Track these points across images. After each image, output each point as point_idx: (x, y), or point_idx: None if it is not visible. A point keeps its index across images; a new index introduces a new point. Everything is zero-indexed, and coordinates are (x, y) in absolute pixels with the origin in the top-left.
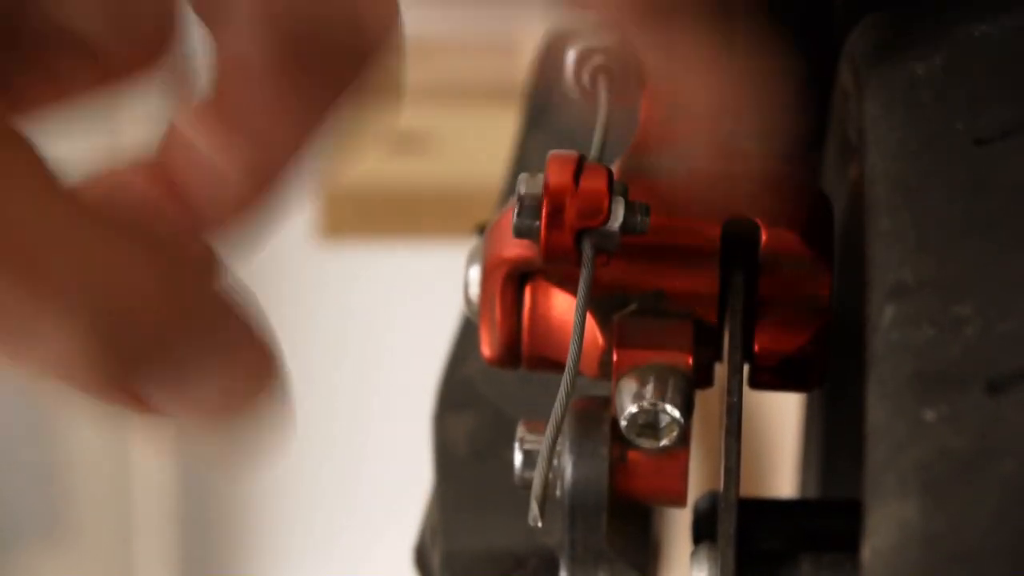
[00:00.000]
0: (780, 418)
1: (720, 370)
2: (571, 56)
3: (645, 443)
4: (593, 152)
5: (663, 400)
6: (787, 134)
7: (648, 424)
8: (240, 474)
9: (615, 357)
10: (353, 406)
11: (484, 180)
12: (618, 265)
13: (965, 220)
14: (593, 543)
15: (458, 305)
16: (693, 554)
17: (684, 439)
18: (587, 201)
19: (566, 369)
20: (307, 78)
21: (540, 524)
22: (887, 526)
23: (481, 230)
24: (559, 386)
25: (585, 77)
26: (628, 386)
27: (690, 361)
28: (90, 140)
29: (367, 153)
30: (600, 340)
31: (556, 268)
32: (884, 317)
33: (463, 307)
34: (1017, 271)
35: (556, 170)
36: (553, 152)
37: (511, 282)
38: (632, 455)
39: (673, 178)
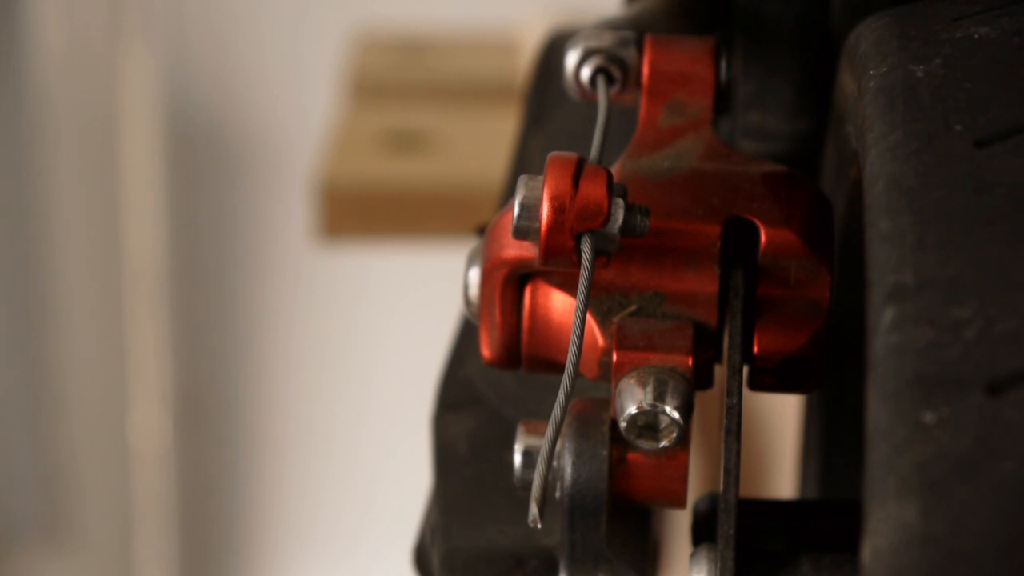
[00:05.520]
0: (780, 419)
1: (720, 371)
2: (571, 56)
3: (644, 444)
4: (593, 153)
5: (662, 402)
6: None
7: (648, 425)
8: (239, 473)
9: (615, 358)
10: (353, 406)
11: (484, 180)
12: (617, 267)
13: (965, 221)
14: (592, 544)
15: (458, 305)
16: (693, 555)
17: (683, 440)
18: (587, 203)
19: (566, 370)
20: None
21: (539, 525)
22: (887, 527)
23: (481, 231)
24: (559, 387)
25: (585, 77)
26: (628, 388)
27: (690, 363)
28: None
29: (367, 153)
30: (600, 341)
31: (556, 269)
32: (884, 319)
33: (463, 308)
34: (1017, 272)
35: (556, 172)
36: (553, 153)
37: (511, 283)
38: (631, 456)
39: (673, 179)
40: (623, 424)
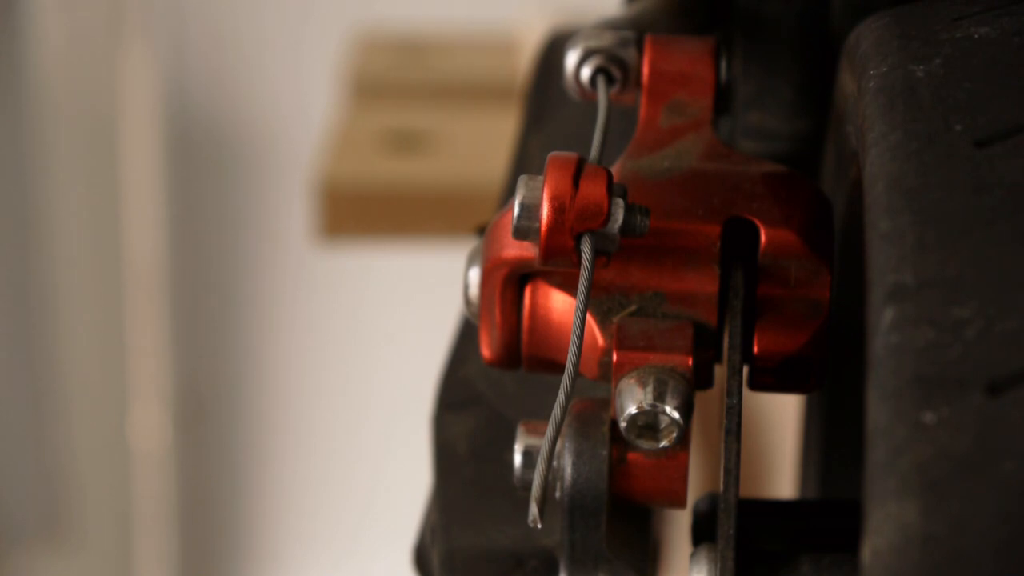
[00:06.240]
0: (780, 419)
1: (720, 371)
2: (571, 56)
3: (645, 444)
4: (593, 153)
5: (662, 402)
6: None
7: (648, 425)
8: (239, 473)
9: (615, 358)
10: (353, 406)
11: (484, 180)
12: (617, 267)
13: (965, 221)
14: (592, 544)
15: (458, 305)
16: (692, 555)
17: (683, 440)
18: (587, 203)
19: (566, 370)
20: None
21: (539, 525)
22: (887, 527)
23: (481, 231)
24: (559, 387)
25: (585, 77)
26: (628, 387)
27: (690, 363)
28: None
29: (367, 153)
30: (600, 341)
31: (556, 269)
32: (884, 319)
33: (463, 308)
34: (1017, 272)
35: (556, 172)
36: (553, 153)
37: (511, 283)
38: (631, 456)
39: (673, 179)
40: (623, 424)
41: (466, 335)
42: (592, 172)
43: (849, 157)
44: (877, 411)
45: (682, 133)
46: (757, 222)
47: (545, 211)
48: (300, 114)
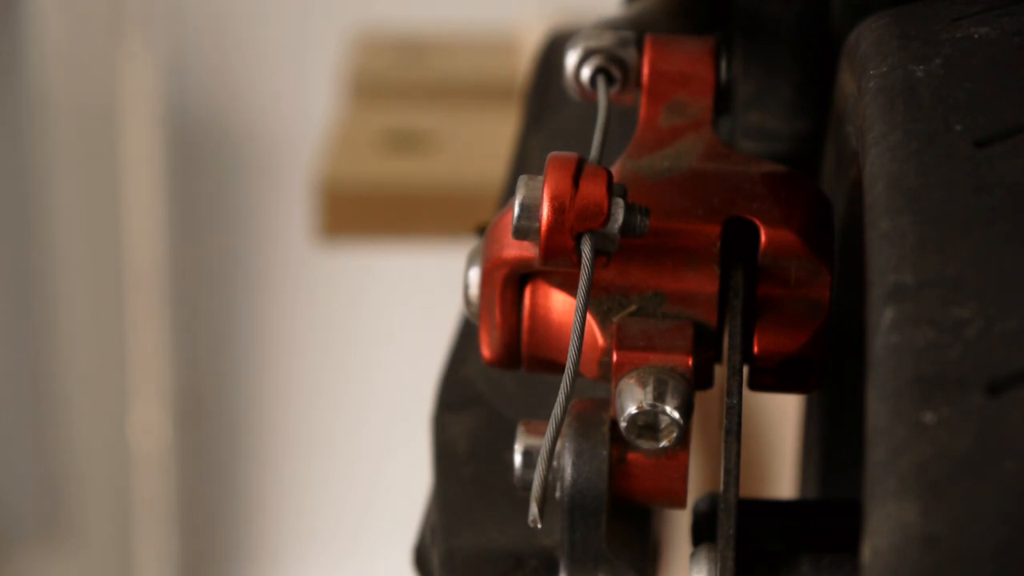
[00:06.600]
0: (780, 419)
1: (720, 371)
2: (571, 56)
3: (645, 444)
4: (593, 153)
5: (662, 402)
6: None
7: (648, 425)
8: (240, 473)
9: (615, 358)
10: (353, 406)
11: (484, 180)
12: (617, 267)
13: (965, 221)
14: (592, 544)
15: (457, 305)
16: (692, 555)
17: (683, 440)
18: (587, 203)
19: (566, 370)
20: None
21: (539, 525)
22: (887, 527)
23: (481, 231)
24: (559, 387)
25: (585, 77)
26: (628, 387)
27: (690, 363)
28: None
29: (367, 153)
30: (600, 341)
31: (556, 269)
32: (884, 319)
33: (463, 308)
34: (1017, 272)
35: (556, 172)
36: (553, 153)
37: (511, 283)
38: (632, 456)
39: (673, 179)
40: (623, 424)
41: (466, 335)
42: (592, 172)
43: (849, 157)
44: (877, 411)
45: (682, 133)
46: (757, 222)
47: (545, 211)
48: (300, 114)
